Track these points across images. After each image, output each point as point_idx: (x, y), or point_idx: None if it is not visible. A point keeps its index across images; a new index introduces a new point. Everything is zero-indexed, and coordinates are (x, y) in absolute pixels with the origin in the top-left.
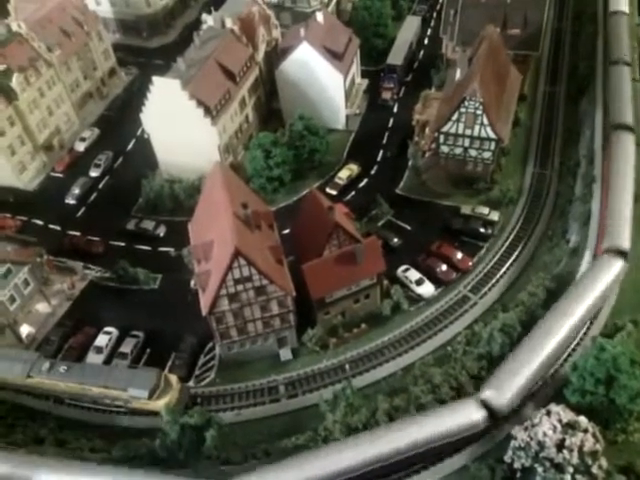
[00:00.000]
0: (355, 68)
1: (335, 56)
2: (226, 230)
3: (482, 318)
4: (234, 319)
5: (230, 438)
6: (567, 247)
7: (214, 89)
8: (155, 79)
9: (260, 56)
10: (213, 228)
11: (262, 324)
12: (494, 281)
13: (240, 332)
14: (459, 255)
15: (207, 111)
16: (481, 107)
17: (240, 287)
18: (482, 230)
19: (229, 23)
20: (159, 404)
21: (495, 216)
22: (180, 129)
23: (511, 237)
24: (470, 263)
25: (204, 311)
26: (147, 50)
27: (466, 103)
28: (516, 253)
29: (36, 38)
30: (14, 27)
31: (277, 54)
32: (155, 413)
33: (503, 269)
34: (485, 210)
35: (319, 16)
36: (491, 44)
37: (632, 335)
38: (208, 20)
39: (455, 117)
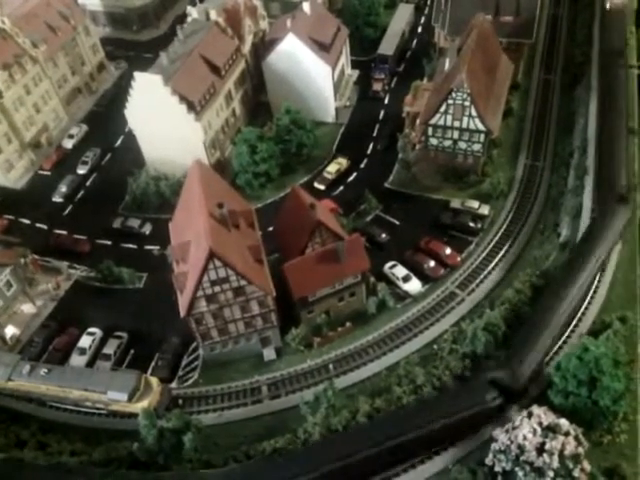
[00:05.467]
0: (345, 59)
1: (322, 47)
2: (201, 231)
3: (470, 315)
4: (214, 320)
5: (211, 440)
6: (557, 241)
7: (197, 84)
8: (137, 75)
9: (246, 48)
10: (190, 228)
11: (243, 324)
12: (483, 277)
13: (221, 333)
14: (447, 250)
15: (190, 106)
16: (469, 98)
17: (217, 288)
18: (471, 224)
19: (214, 15)
20: (139, 406)
21: (485, 210)
22: (164, 125)
23: (501, 231)
24: (459, 259)
25: (182, 313)
26: (137, 43)
27: (454, 94)
28: (506, 248)
29: (21, 34)
30: None
31: (265, 46)
32: (136, 415)
33: (492, 264)
34: (475, 204)
35: (305, 6)
36: (481, 33)
37: (619, 333)
38: (192, 13)
39: (443, 109)
